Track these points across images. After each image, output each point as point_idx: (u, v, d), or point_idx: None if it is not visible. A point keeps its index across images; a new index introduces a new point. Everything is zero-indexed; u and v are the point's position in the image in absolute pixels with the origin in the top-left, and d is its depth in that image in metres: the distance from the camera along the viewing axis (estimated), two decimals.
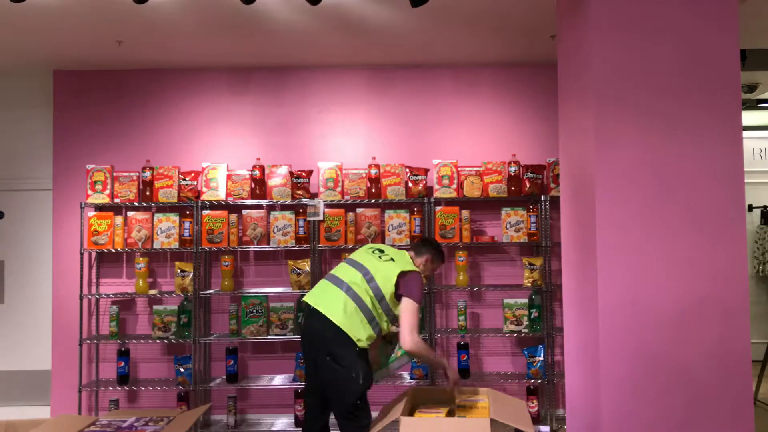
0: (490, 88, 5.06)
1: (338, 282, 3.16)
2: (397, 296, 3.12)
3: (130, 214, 4.71)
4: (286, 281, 4.89)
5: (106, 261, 4.94)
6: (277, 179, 4.74)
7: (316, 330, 3.07)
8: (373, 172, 4.73)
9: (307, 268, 4.66)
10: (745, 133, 3.35)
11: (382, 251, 3.31)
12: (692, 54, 2.71)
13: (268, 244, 4.70)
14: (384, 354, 3.36)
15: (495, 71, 5.06)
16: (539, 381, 4.64)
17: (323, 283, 3.23)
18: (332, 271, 3.28)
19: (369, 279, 3.13)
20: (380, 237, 4.72)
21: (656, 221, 2.68)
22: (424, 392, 3.11)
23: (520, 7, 3.83)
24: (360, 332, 3.02)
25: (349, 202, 4.72)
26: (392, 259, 3.22)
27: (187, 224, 4.68)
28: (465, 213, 4.70)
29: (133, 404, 4.91)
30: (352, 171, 4.78)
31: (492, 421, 2.47)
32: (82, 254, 4.67)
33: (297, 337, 4.66)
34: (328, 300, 3.10)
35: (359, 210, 4.71)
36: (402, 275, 3.13)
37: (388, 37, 4.34)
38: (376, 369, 3.27)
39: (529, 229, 4.69)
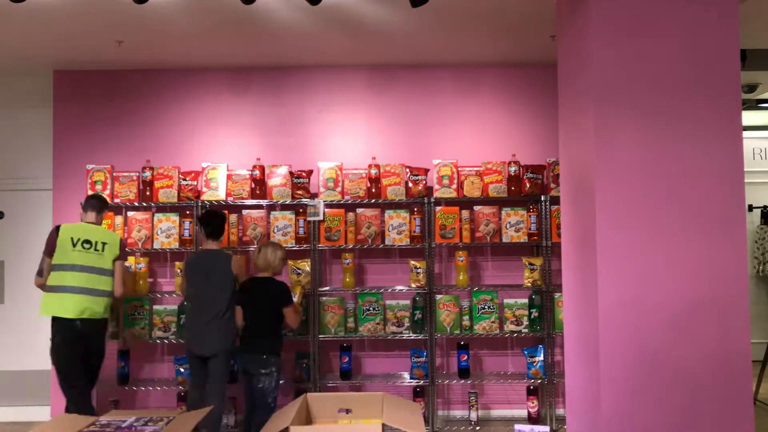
0: (490, 88, 5.06)
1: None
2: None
3: (130, 214, 4.71)
4: (285, 281, 4.88)
5: None
6: (277, 179, 4.74)
7: None
8: (373, 172, 4.73)
9: (307, 268, 4.66)
10: (745, 133, 3.35)
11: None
12: (692, 54, 2.71)
13: None
14: None
15: (495, 71, 5.06)
16: (539, 381, 4.64)
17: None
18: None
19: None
20: (380, 237, 4.72)
21: (656, 221, 2.68)
22: (318, 399, 3.02)
23: (521, 7, 3.83)
24: None
25: (349, 202, 4.72)
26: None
27: (187, 224, 4.68)
28: (465, 213, 4.70)
29: (133, 404, 4.91)
30: (352, 171, 4.78)
31: (384, 426, 2.46)
32: None
33: (298, 337, 4.66)
34: None
35: (359, 210, 4.71)
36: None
37: (388, 37, 4.35)
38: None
39: (529, 229, 4.69)
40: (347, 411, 2.96)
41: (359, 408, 2.94)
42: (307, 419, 2.82)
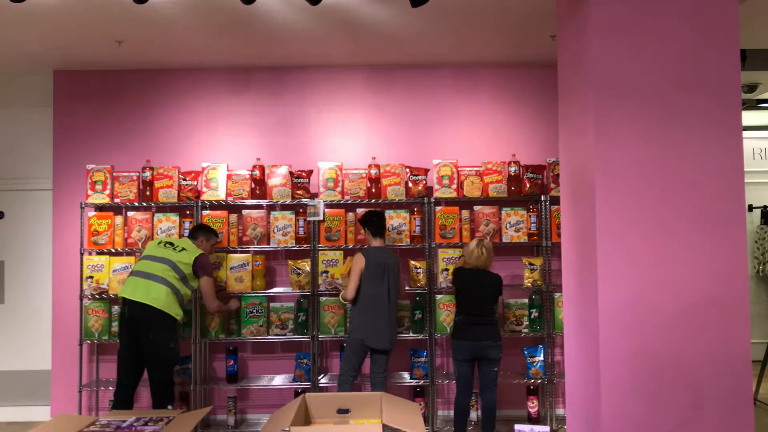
0: (490, 88, 5.06)
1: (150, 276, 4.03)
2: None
3: (130, 214, 4.71)
4: (286, 281, 4.89)
5: None
6: (277, 179, 4.74)
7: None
8: (373, 172, 4.73)
9: (307, 268, 4.66)
10: (745, 133, 3.35)
11: (172, 243, 4.21)
12: (692, 54, 2.71)
13: (268, 244, 4.70)
14: None
15: (495, 71, 5.06)
16: (539, 381, 4.64)
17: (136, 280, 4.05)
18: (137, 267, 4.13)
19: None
20: None
21: (656, 221, 2.68)
22: (317, 399, 3.04)
23: (520, 7, 3.83)
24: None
25: (349, 202, 4.72)
26: (184, 249, 4.19)
27: (187, 224, 4.68)
28: (465, 213, 4.70)
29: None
30: (352, 171, 4.78)
31: (384, 426, 2.45)
32: (82, 254, 4.67)
33: (297, 337, 4.66)
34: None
35: (359, 210, 4.71)
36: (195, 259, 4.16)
37: (388, 37, 4.35)
38: None
39: (529, 229, 4.69)
40: (346, 411, 2.96)
41: (358, 408, 2.93)
42: (306, 419, 2.82)
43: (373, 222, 4.29)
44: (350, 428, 2.64)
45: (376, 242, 4.30)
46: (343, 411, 2.91)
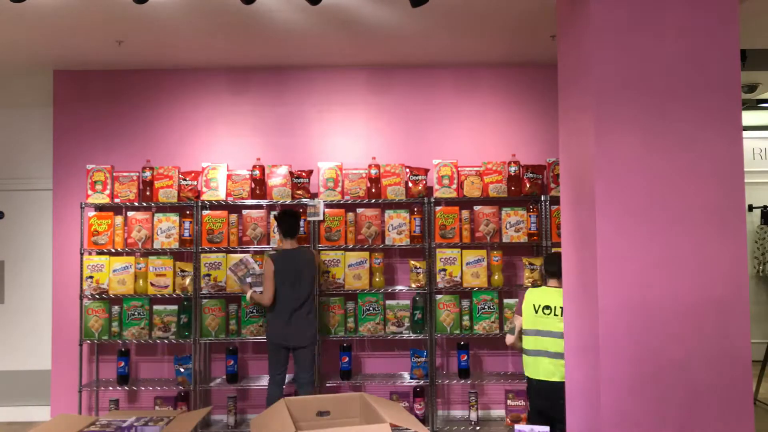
0: (490, 88, 5.06)
1: None
2: None
3: (130, 214, 4.71)
4: None
5: None
6: (277, 179, 4.74)
7: None
8: (373, 172, 4.73)
9: None
10: (745, 133, 3.35)
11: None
12: (692, 54, 2.71)
13: (269, 244, 4.70)
14: None
15: (495, 71, 5.06)
16: None
17: None
18: None
19: None
20: (380, 237, 4.72)
21: (656, 221, 2.68)
22: (296, 403, 3.02)
23: (520, 7, 3.83)
24: None
25: (349, 202, 4.72)
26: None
27: (187, 224, 4.68)
28: (465, 213, 4.70)
29: (133, 404, 4.92)
30: (352, 171, 4.78)
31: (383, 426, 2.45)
32: (82, 254, 4.67)
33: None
34: None
35: (359, 210, 4.71)
36: None
37: (388, 37, 4.35)
38: None
39: (529, 229, 4.69)
40: (326, 413, 2.95)
41: (337, 410, 2.92)
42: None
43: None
44: (360, 429, 2.63)
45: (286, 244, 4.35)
46: (323, 413, 2.90)
